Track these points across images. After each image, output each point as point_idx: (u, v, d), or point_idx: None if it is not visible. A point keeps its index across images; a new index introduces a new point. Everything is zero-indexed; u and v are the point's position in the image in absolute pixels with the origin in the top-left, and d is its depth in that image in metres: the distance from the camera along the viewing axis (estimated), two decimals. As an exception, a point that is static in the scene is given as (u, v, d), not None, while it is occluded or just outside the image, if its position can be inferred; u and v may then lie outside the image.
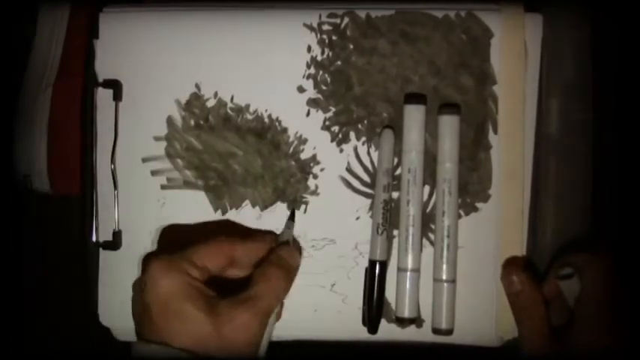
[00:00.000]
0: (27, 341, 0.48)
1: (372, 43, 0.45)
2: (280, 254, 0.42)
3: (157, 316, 0.37)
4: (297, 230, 0.45)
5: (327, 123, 0.46)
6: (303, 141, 0.46)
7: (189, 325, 0.37)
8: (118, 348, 0.46)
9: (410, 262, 0.44)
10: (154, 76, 0.46)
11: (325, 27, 0.46)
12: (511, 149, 0.45)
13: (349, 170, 0.46)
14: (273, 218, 0.46)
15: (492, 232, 0.45)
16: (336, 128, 0.46)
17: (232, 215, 0.46)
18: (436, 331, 0.44)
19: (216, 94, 0.46)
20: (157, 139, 0.46)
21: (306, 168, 0.46)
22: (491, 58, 0.45)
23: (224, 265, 0.41)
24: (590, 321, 0.39)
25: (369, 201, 0.45)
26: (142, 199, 0.46)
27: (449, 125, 0.44)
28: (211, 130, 0.46)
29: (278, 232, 0.45)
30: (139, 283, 0.39)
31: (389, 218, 0.44)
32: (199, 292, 0.38)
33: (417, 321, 0.44)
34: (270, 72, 0.46)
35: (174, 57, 0.46)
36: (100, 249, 0.46)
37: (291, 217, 0.45)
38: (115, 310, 0.46)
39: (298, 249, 0.45)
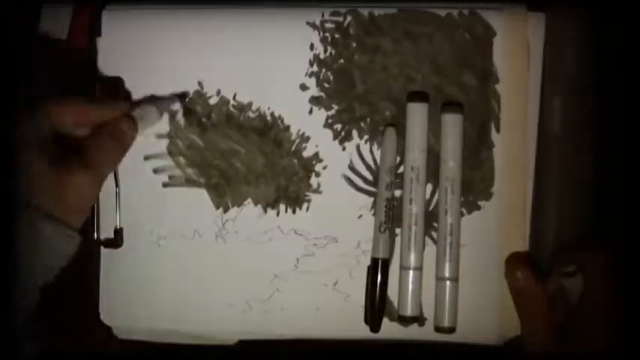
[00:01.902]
0: (28, 340, 0.48)
1: (374, 41, 0.45)
2: (121, 127, 0.42)
3: None
4: (301, 228, 0.45)
5: (330, 121, 0.46)
6: (305, 139, 0.46)
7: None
8: (120, 346, 0.46)
9: (412, 261, 0.44)
10: (157, 73, 0.46)
11: (328, 25, 0.46)
12: (514, 148, 0.45)
13: (352, 168, 0.45)
14: (275, 216, 0.45)
15: (495, 231, 0.45)
16: (338, 126, 0.46)
17: (234, 213, 0.46)
18: (439, 329, 0.43)
19: (218, 92, 0.46)
20: (159, 136, 0.46)
21: (308, 166, 0.46)
22: (494, 56, 0.45)
23: (74, 123, 0.41)
24: (593, 319, 0.39)
25: (371, 199, 0.45)
26: (143, 197, 0.46)
27: (452, 124, 0.44)
28: (214, 127, 0.46)
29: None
30: None
31: (391, 216, 0.44)
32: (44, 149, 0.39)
33: (419, 319, 0.44)
34: (273, 70, 0.46)
35: (177, 55, 0.46)
36: (102, 247, 0.46)
37: (182, 97, 0.45)
38: (117, 309, 0.46)
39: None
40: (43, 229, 0.38)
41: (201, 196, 0.46)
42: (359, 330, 0.45)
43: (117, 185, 0.46)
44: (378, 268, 0.44)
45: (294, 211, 0.45)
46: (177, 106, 0.45)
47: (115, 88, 0.46)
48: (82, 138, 0.41)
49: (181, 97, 0.46)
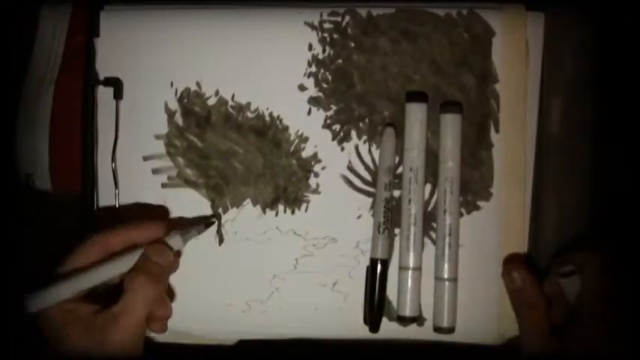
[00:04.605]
0: (27, 339, 0.48)
1: (373, 41, 0.45)
2: (147, 256, 0.41)
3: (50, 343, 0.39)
4: (299, 229, 0.45)
5: (329, 121, 0.46)
6: (304, 139, 0.46)
7: (76, 347, 0.38)
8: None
9: (411, 261, 0.44)
10: (155, 74, 0.46)
11: (326, 25, 0.45)
12: (512, 148, 0.45)
13: (350, 169, 0.45)
14: (274, 217, 0.45)
15: (494, 231, 0.45)
16: (337, 126, 0.46)
17: (233, 214, 0.46)
18: (437, 329, 0.44)
19: (217, 92, 0.46)
20: (158, 137, 0.46)
21: (307, 166, 0.46)
22: (492, 56, 0.45)
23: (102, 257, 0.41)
24: (591, 319, 0.39)
25: (370, 199, 0.45)
26: (142, 198, 0.46)
27: (450, 124, 0.44)
28: (212, 128, 0.46)
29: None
30: None
31: (390, 217, 0.44)
32: (74, 317, 0.39)
33: (418, 319, 0.44)
34: (272, 70, 0.46)
35: (175, 55, 0.46)
36: (101, 247, 0.46)
37: (207, 224, 0.45)
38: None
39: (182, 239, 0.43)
40: None
41: (200, 196, 0.46)
42: (358, 330, 0.45)
43: (116, 186, 0.46)
44: (377, 268, 0.44)
45: (292, 212, 0.46)
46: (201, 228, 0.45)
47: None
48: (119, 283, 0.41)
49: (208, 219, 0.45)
